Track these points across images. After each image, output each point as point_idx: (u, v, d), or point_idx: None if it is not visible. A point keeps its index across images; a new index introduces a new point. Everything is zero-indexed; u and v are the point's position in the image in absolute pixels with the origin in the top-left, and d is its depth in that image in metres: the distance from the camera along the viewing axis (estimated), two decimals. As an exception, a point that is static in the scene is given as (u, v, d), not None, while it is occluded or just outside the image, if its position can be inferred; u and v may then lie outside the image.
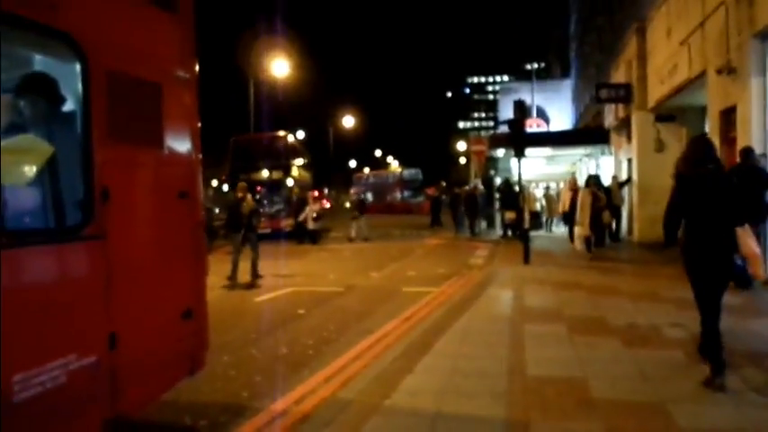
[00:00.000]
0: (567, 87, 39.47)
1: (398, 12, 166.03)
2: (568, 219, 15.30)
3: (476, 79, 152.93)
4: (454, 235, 21.62)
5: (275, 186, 22.72)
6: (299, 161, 25.39)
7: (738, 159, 8.47)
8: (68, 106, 3.25)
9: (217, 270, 9.35)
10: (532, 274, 10.82)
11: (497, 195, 21.60)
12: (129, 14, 3.60)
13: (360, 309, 8.74)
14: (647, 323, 6.67)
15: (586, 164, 24.64)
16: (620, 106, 18.16)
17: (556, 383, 4.78)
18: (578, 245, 13.00)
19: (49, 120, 3.18)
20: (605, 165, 21.00)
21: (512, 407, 4.35)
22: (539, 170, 25.97)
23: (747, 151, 8.31)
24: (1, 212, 2.68)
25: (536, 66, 41.58)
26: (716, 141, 10.22)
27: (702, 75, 10.97)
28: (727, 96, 9.70)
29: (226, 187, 26.83)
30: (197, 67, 4.25)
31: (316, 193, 23.50)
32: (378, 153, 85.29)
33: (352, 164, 75.00)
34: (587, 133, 24.84)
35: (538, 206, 22.14)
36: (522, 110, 13.61)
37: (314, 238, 20.24)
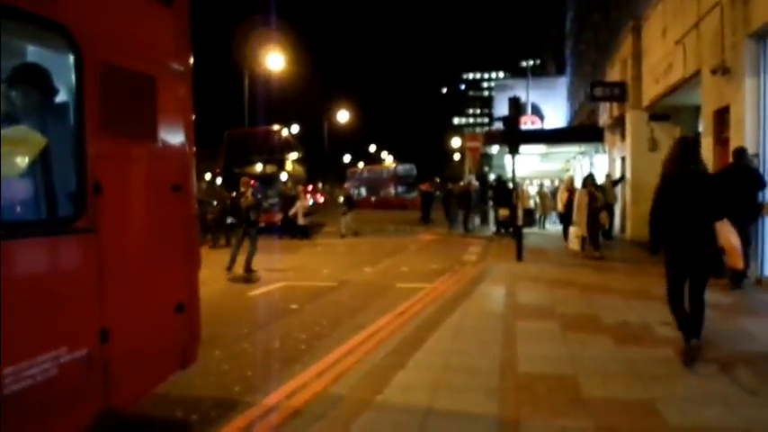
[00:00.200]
0: (562, 85, 39.57)
1: (395, 7, 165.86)
2: (564, 218, 15.35)
3: (471, 75, 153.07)
4: (448, 231, 21.65)
5: (269, 180, 22.65)
6: (294, 155, 25.32)
7: (731, 159, 8.51)
8: (61, 98, 3.22)
9: (207, 264, 9.33)
10: (525, 271, 10.85)
11: (490, 193, 21.64)
12: (124, 6, 3.57)
13: (353, 304, 8.74)
14: (639, 321, 6.71)
15: (580, 162, 24.72)
16: (615, 104, 18.19)
17: (547, 380, 4.80)
18: (575, 245, 12.96)
19: (42, 111, 3.15)
20: (599, 163, 21.05)
21: (503, 403, 4.37)
22: (533, 167, 26.07)
23: (740, 151, 8.34)
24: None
25: (531, 63, 41.79)
26: (709, 141, 10.32)
27: (697, 74, 10.99)
28: (721, 96, 9.72)
29: (219, 180, 26.73)
30: (191, 60, 4.22)
31: (310, 188, 23.46)
32: (372, 148, 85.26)
33: (347, 158, 74.94)
34: (582, 131, 24.91)
35: (531, 203, 22.22)
36: (516, 107, 13.62)
37: (305, 233, 20.21)
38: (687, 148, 5.23)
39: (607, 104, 19.60)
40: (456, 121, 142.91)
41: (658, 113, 14.93)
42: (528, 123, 29.23)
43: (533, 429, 3.94)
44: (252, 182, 13.36)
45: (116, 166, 3.39)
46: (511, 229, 17.07)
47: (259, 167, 22.71)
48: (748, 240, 8.17)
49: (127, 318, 3.41)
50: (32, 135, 2.97)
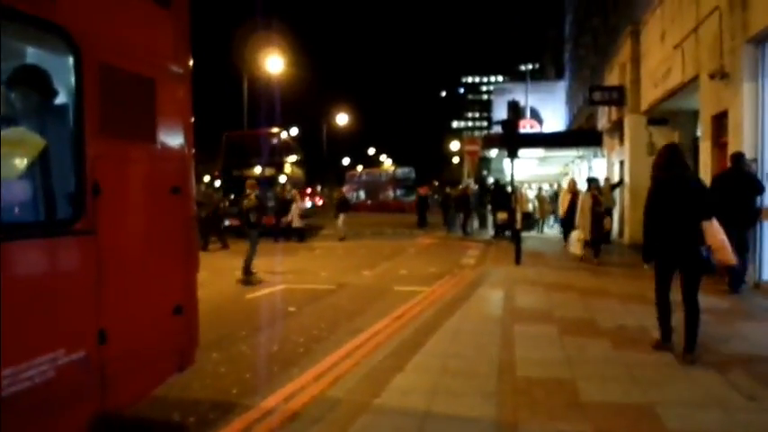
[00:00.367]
0: (560, 89, 39.65)
1: (394, 10, 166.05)
2: (566, 222, 14.92)
3: (470, 79, 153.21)
4: (446, 234, 21.65)
5: (268, 183, 22.63)
6: (292, 158, 25.34)
7: (729, 164, 8.52)
8: (61, 100, 3.22)
9: (206, 265, 9.31)
10: (523, 275, 10.85)
11: (489, 196, 21.66)
12: (124, 8, 3.57)
13: (351, 307, 8.73)
14: (637, 325, 6.71)
15: (579, 165, 24.75)
16: (614, 109, 18.24)
17: (545, 384, 4.80)
18: (578, 249, 12.57)
19: (41, 113, 3.15)
20: (597, 167, 21.09)
21: (501, 407, 4.36)
22: (531, 171, 26.11)
23: (738, 156, 8.36)
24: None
25: (530, 67, 41.87)
26: (708, 146, 10.34)
27: (695, 79, 11.02)
28: (720, 101, 9.75)
29: (217, 183, 26.76)
30: (191, 63, 4.23)
31: (308, 191, 23.45)
32: (371, 151, 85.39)
33: (346, 161, 74.99)
34: (580, 135, 24.94)
35: (530, 207, 22.22)
36: (515, 110, 13.64)
37: (300, 235, 20.17)
38: (673, 153, 5.58)
39: (606, 108, 19.65)
40: (455, 124, 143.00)
41: (657, 118, 14.97)
42: (527, 127, 29.21)
43: (531, 433, 3.94)
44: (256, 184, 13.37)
45: (115, 168, 3.38)
46: (509, 233, 17.07)
47: (258, 170, 22.69)
48: (746, 245, 8.19)
49: (125, 319, 3.41)
50: (31, 137, 2.97)
